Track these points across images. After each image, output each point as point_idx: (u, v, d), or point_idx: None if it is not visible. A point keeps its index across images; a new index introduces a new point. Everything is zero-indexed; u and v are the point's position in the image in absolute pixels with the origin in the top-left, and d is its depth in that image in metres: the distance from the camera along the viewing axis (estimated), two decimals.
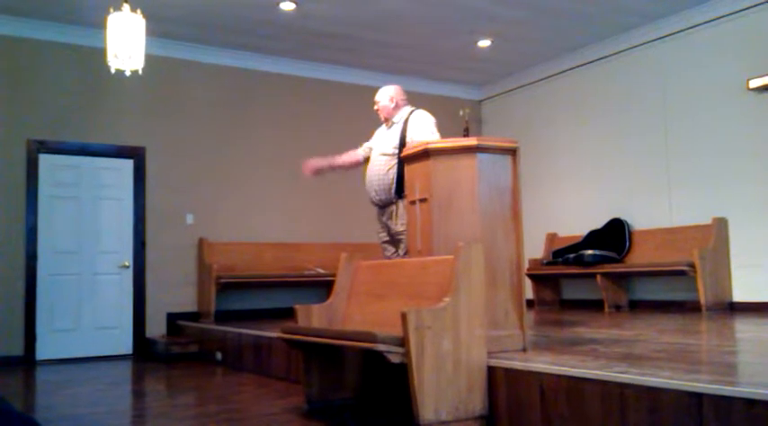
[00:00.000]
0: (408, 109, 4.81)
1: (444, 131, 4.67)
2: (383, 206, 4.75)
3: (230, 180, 7.98)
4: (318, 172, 5.07)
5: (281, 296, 7.86)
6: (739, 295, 6.79)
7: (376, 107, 4.88)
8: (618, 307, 7.51)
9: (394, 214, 4.68)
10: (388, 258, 4.79)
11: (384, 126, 4.92)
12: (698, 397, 2.54)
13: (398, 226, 4.64)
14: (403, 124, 4.69)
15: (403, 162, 4.57)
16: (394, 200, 4.66)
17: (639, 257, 7.55)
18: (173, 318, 7.46)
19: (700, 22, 7.15)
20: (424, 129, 4.60)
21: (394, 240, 4.75)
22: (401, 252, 4.65)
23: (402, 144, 4.60)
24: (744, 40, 6.80)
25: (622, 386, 2.79)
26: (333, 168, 5.11)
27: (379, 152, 4.77)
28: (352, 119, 8.01)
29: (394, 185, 4.61)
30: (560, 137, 8.72)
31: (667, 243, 7.31)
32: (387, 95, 4.83)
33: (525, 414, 3.22)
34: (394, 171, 4.62)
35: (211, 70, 7.96)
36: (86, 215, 7.21)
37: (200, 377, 5.71)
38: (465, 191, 3.74)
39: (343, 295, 4.19)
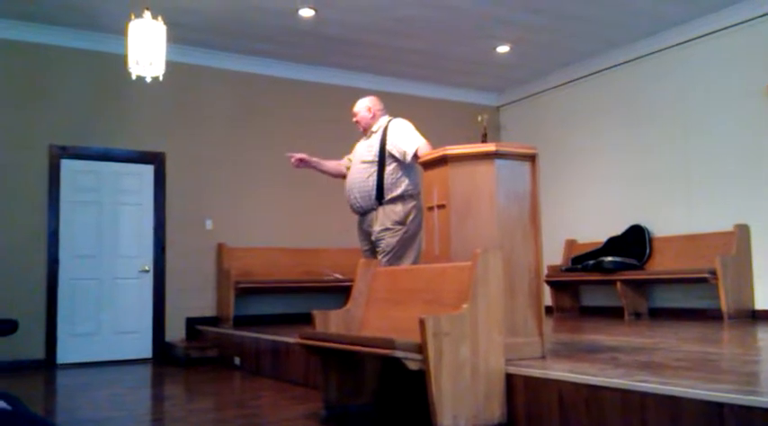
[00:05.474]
0: (386, 118, 4.85)
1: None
2: (364, 213, 4.77)
3: (249, 185, 8.02)
4: (302, 164, 5.05)
5: (299, 301, 7.88)
6: (762, 303, 6.70)
7: (355, 119, 4.92)
8: (638, 315, 7.44)
9: (374, 219, 4.69)
10: None
11: (363, 138, 4.94)
12: (719, 407, 2.51)
13: (377, 226, 4.64)
14: (382, 133, 4.73)
15: (383, 169, 4.62)
16: (375, 206, 4.68)
17: (660, 264, 7.47)
18: (192, 323, 7.51)
19: (719, 28, 7.08)
20: (406, 134, 4.63)
21: (374, 247, 4.72)
22: (381, 257, 4.59)
23: (382, 151, 4.66)
24: (762, 46, 6.72)
25: (643, 395, 2.77)
26: (317, 170, 5.14)
27: (360, 160, 4.81)
28: None
29: (374, 191, 4.64)
30: (579, 143, 8.67)
31: (688, 250, 7.23)
32: (365, 106, 4.89)
33: (544, 422, 3.19)
34: (374, 178, 4.65)
35: (230, 76, 8.02)
36: (107, 220, 7.28)
37: (219, 381, 5.74)
38: (483, 198, 3.73)
39: (361, 301, 4.19)
